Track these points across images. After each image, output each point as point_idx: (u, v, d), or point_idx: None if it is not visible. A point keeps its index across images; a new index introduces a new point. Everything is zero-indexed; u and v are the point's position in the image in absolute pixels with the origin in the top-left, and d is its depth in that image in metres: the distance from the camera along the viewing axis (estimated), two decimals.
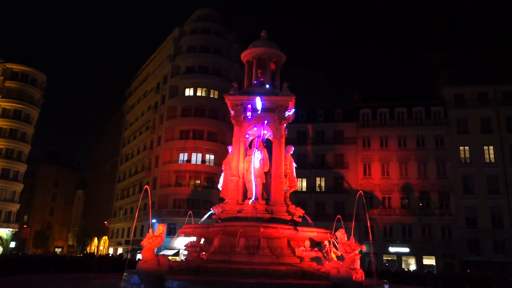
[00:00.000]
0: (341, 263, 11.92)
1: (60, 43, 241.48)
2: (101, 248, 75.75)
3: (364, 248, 12.93)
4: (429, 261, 48.47)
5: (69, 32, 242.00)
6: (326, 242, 15.84)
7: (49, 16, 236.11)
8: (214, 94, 58.97)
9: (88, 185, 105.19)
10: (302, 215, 17.34)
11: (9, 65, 69.31)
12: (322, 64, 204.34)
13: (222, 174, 18.39)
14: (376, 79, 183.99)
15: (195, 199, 54.11)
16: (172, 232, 48.37)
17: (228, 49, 61.64)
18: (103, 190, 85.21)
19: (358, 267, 11.86)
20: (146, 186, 24.25)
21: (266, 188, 17.66)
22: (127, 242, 61.37)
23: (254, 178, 17.25)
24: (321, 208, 51.77)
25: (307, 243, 15.60)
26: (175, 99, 59.41)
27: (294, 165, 18.19)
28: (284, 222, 16.51)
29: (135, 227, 58.04)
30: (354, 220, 19.69)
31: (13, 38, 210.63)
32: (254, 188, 17.25)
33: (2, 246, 64.23)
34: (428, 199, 50.12)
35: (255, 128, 18.30)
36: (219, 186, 18.42)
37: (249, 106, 17.98)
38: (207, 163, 56.27)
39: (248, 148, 18.28)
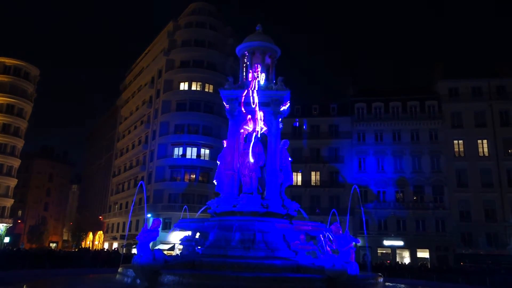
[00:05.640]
0: (336, 256, 11.98)
1: (54, 36, 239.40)
2: (96, 242, 75.68)
3: (359, 242, 12.96)
4: (423, 254, 48.83)
5: (63, 23, 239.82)
6: (321, 236, 15.91)
7: (42, 9, 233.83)
8: (209, 88, 58.77)
9: (82, 179, 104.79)
10: (297, 209, 17.40)
11: (1, 59, 68.61)
12: (317, 57, 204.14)
13: (218, 169, 18.39)
14: (371, 73, 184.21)
15: (190, 194, 54.10)
16: (167, 226, 48.40)
17: (223, 43, 61.39)
18: (98, 184, 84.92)
19: (353, 261, 11.93)
20: (141, 181, 24.19)
21: (261, 182, 17.69)
22: (122, 237, 61.32)
23: (249, 172, 17.27)
24: (316, 202, 51.94)
25: (302, 237, 15.67)
26: (169, 93, 59.16)
27: (289, 159, 18.23)
28: (280, 216, 16.56)
29: (130, 221, 57.97)
30: (349, 214, 19.74)
31: (6, 32, 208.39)
32: (249, 183, 17.27)
33: None
34: (423, 193, 50.38)
35: (251, 123, 18.29)
36: (215, 180, 18.42)
37: (244, 100, 17.96)
38: (202, 158, 56.18)
39: (244, 142, 18.27)
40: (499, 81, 52.09)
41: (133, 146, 67.66)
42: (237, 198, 17.10)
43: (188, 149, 56.32)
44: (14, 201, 71.73)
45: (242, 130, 18.37)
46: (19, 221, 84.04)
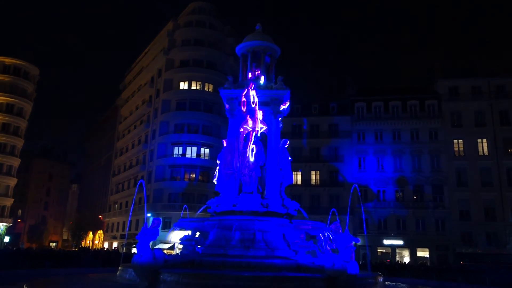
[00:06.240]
0: (336, 255, 11.99)
1: (53, 36, 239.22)
2: (96, 242, 75.70)
3: (359, 241, 12.96)
4: (423, 253, 48.88)
5: (62, 24, 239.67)
6: (321, 235, 15.93)
7: (40, 9, 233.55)
8: (209, 87, 58.76)
9: (82, 179, 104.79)
10: (297, 209, 17.41)
11: (1, 59, 68.61)
12: (317, 56, 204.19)
13: (218, 168, 18.38)
14: (371, 73, 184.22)
15: (190, 193, 54.10)
16: (167, 226, 48.41)
17: (223, 42, 61.37)
18: (97, 184, 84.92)
19: (353, 260, 11.94)
20: (141, 180, 24.14)
21: (261, 181, 17.69)
22: (122, 236, 61.36)
23: (249, 171, 17.27)
24: (316, 202, 51.97)
25: (302, 236, 15.69)
26: (169, 93, 59.15)
27: (289, 158, 18.24)
28: (279, 215, 16.58)
29: (130, 221, 57.99)
30: (348, 213, 19.75)
31: (5, 31, 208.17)
32: (249, 182, 17.27)
33: None
34: (422, 192, 50.40)
35: (250, 122, 18.30)
36: (215, 180, 18.43)
37: (244, 99, 17.96)
38: (202, 157, 56.19)
39: (243, 141, 18.28)
40: (499, 80, 52.05)
41: (133, 146, 67.67)
42: (237, 198, 17.11)
43: (188, 149, 56.33)
44: (14, 201, 71.72)
45: (242, 130, 18.38)
46: (19, 220, 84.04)
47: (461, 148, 50.90)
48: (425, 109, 52.68)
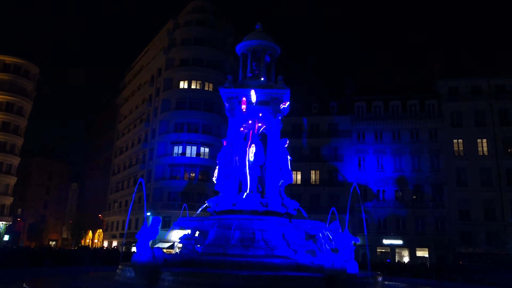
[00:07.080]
0: (336, 255, 11.98)
1: (53, 34, 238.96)
2: (95, 241, 75.73)
3: (358, 241, 12.97)
4: (422, 253, 48.92)
5: (63, 21, 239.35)
6: (321, 235, 15.93)
7: (41, 8, 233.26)
8: (209, 87, 58.74)
9: (82, 178, 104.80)
10: (296, 208, 17.40)
11: (1, 57, 68.56)
12: (317, 55, 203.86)
13: (217, 167, 18.37)
14: (371, 72, 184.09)
15: (190, 192, 54.10)
16: (167, 225, 48.38)
17: (223, 42, 61.35)
18: (97, 183, 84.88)
19: (352, 259, 11.94)
20: (140, 179, 24.09)
21: (261, 181, 17.69)
22: (121, 235, 61.36)
23: (249, 171, 17.26)
24: (316, 201, 51.97)
25: (302, 235, 15.68)
26: (169, 92, 59.13)
27: (289, 158, 18.21)
28: (279, 214, 16.57)
29: (130, 220, 57.99)
30: (348, 213, 19.74)
31: (6, 31, 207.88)
32: (249, 181, 17.27)
33: None
34: (422, 192, 50.44)
35: (250, 121, 18.27)
36: (214, 179, 18.41)
37: (244, 99, 17.92)
38: (202, 156, 56.22)
39: (243, 141, 18.26)
40: (499, 80, 52.12)
41: (133, 145, 67.66)
42: (237, 197, 17.10)
43: (188, 148, 56.33)
44: (14, 199, 71.77)
45: (241, 129, 18.36)
46: (19, 219, 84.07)
47: (461, 148, 50.92)
48: (425, 109, 52.71)
